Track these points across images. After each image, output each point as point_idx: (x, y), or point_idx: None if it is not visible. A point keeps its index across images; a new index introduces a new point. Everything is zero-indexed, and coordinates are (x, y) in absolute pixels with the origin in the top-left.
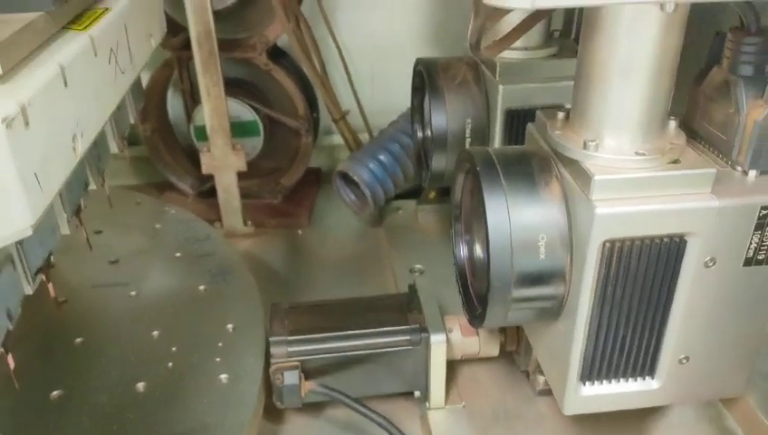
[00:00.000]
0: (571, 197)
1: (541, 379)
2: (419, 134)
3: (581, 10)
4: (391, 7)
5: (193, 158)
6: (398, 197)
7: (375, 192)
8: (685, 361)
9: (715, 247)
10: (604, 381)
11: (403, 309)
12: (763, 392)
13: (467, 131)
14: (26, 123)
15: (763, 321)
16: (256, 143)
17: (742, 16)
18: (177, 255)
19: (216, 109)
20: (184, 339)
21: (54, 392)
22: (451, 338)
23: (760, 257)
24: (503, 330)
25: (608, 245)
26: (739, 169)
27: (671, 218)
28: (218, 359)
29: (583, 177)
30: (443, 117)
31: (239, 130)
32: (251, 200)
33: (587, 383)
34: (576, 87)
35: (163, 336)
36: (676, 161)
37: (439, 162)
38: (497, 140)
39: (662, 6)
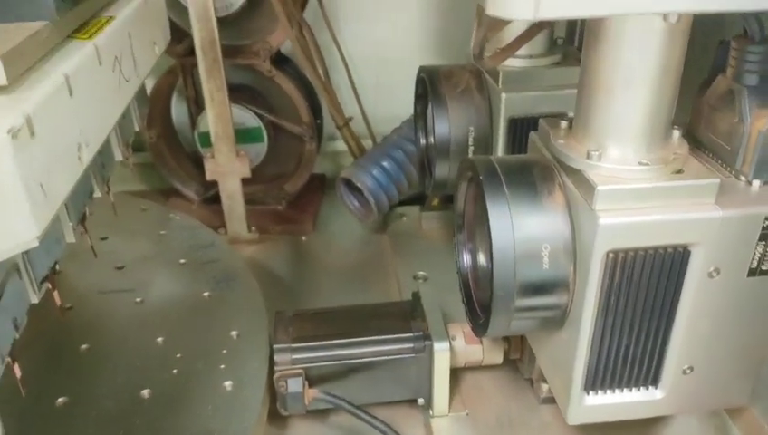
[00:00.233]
0: (575, 206)
1: (545, 387)
2: (422, 141)
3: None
4: (395, 17)
5: (197, 164)
6: (402, 203)
7: (379, 199)
8: (689, 371)
9: (719, 258)
10: (608, 391)
11: (407, 317)
12: None
13: (470, 139)
14: (32, 134)
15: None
16: (260, 149)
17: (746, 25)
18: (182, 261)
19: (220, 115)
20: (188, 346)
21: (60, 399)
22: (454, 346)
23: (764, 268)
24: (507, 338)
25: (611, 255)
26: (743, 178)
27: (675, 229)
28: (223, 366)
29: (587, 187)
30: (446, 125)
31: (243, 136)
32: (255, 206)
33: (591, 393)
34: (579, 96)
35: (168, 343)
36: (679, 171)
37: (442, 170)
38: (500, 148)
39: (665, 17)
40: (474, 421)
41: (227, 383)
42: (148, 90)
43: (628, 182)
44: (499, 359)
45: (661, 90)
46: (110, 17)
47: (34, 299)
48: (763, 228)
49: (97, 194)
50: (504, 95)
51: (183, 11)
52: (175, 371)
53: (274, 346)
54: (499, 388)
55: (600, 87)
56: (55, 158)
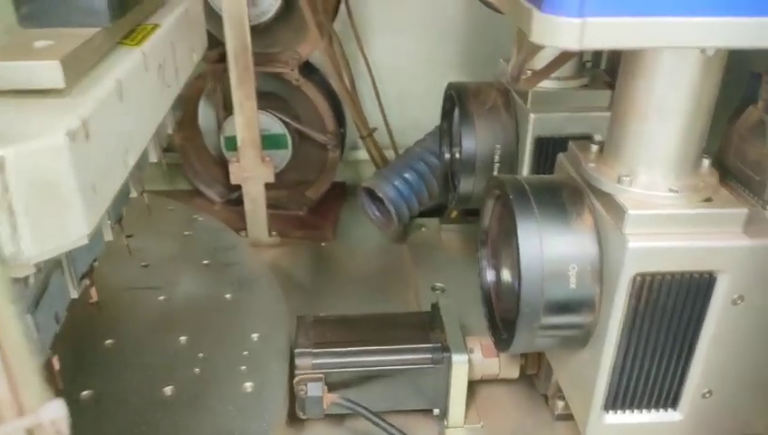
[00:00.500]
0: (604, 229)
1: (560, 404)
2: (447, 156)
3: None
4: (421, 30)
5: (221, 166)
6: (421, 214)
7: (400, 209)
8: (708, 395)
9: (744, 286)
10: (627, 411)
11: (426, 327)
12: None
13: (496, 156)
14: (86, 136)
15: None
16: (284, 156)
17: None
18: (206, 262)
19: (248, 121)
20: (211, 346)
21: (85, 393)
22: (472, 358)
23: None
24: (524, 353)
25: (638, 278)
26: None
27: (702, 255)
28: (243, 367)
29: (617, 210)
30: (472, 141)
31: (268, 142)
32: (276, 211)
33: (610, 412)
34: (612, 122)
35: (191, 342)
36: (708, 199)
37: (467, 185)
38: (526, 167)
39: (703, 50)
40: (488, 434)
41: (248, 385)
42: None
43: (657, 208)
44: (515, 373)
45: (694, 120)
46: (156, 25)
47: (74, 294)
48: None
49: (132, 194)
50: (532, 115)
51: (216, 19)
52: (197, 370)
53: (296, 350)
54: (514, 402)
55: (634, 114)
56: (106, 160)
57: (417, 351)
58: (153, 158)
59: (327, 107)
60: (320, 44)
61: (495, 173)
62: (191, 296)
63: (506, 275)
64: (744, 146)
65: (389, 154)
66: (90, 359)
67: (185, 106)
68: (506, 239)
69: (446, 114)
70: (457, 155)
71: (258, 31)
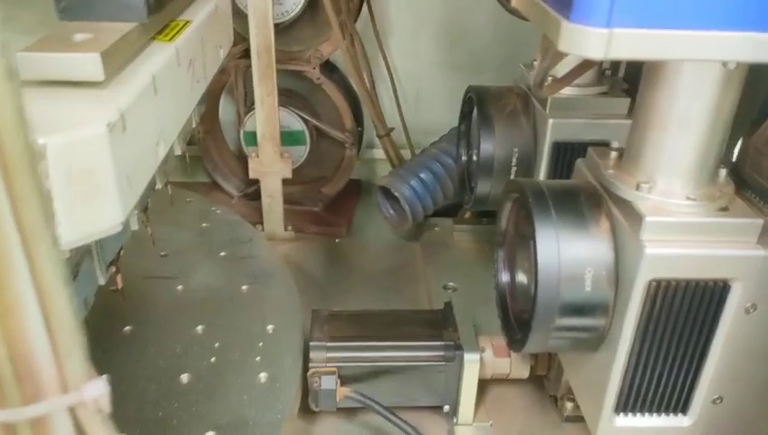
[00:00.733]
0: (621, 235)
1: (569, 405)
2: (464, 157)
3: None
4: (441, 34)
5: (240, 161)
6: (435, 214)
7: (414, 208)
8: (718, 401)
9: (757, 295)
10: (638, 414)
11: (439, 325)
12: None
13: (513, 160)
14: (124, 128)
15: None
16: (302, 152)
17: None
18: (222, 254)
19: (268, 118)
20: (226, 336)
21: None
22: (483, 357)
23: None
24: (534, 354)
25: (654, 284)
26: None
27: (717, 264)
28: (258, 358)
29: (634, 217)
30: (491, 144)
31: (287, 138)
32: (292, 206)
33: (621, 415)
34: (632, 130)
35: (207, 331)
36: (724, 209)
37: (484, 187)
38: (543, 170)
39: (724, 64)
40: (496, 433)
41: (262, 375)
42: None
43: (674, 215)
44: (525, 374)
45: (713, 130)
46: (188, 21)
47: (102, 281)
48: None
49: (158, 185)
50: (550, 120)
51: (241, 16)
52: (213, 359)
53: (311, 343)
54: (523, 402)
55: (655, 124)
56: (139, 152)
57: (430, 348)
58: (177, 150)
59: (346, 106)
60: (341, 44)
61: (512, 176)
62: (208, 287)
63: (522, 276)
64: (761, 158)
65: (406, 154)
66: (108, 344)
67: (207, 100)
68: (523, 241)
69: (465, 116)
70: (475, 157)
71: (281, 29)
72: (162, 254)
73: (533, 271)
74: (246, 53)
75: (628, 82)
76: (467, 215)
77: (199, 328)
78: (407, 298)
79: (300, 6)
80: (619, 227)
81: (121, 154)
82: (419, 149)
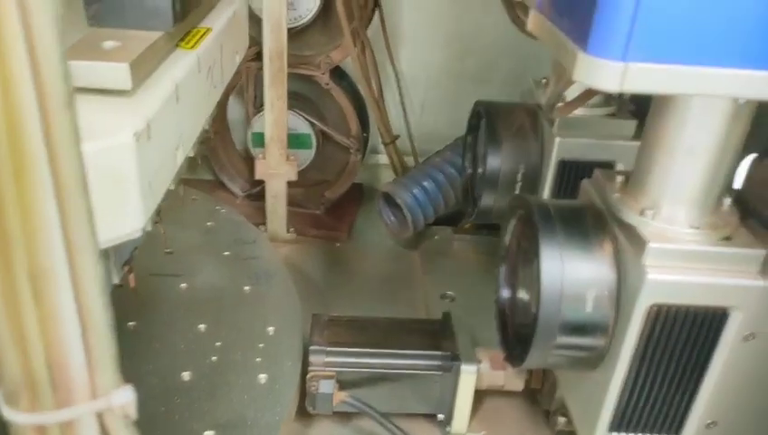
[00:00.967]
0: (624, 258)
1: (561, 420)
2: (468, 170)
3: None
4: (449, 45)
5: (245, 161)
6: (435, 222)
7: (416, 217)
8: (712, 426)
9: (756, 324)
10: (631, 434)
11: (437, 335)
12: None
13: (519, 176)
14: (149, 137)
15: None
16: (308, 155)
17: None
18: (226, 254)
19: (277, 121)
20: (228, 336)
21: None
22: (480, 369)
23: None
24: (530, 369)
25: (654, 308)
26: None
27: (717, 292)
28: (259, 359)
29: (638, 241)
30: (497, 159)
31: (293, 141)
32: (294, 208)
33: (614, 434)
34: (639, 156)
35: (209, 330)
36: (727, 238)
37: (488, 201)
38: (547, 187)
39: (735, 99)
40: None
41: (262, 376)
42: None
43: (678, 243)
44: (520, 387)
45: (720, 161)
46: (208, 29)
47: (116, 280)
48: None
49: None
50: (557, 139)
51: (255, 20)
52: (214, 358)
53: (310, 347)
54: (516, 415)
55: (662, 152)
56: (162, 158)
57: (428, 357)
58: (191, 152)
59: (353, 111)
60: (352, 51)
61: (517, 192)
62: (211, 286)
63: (523, 293)
64: (766, 189)
65: (409, 161)
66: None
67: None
68: (526, 258)
69: (472, 129)
70: (480, 170)
71: (293, 33)
72: (167, 251)
73: (536, 289)
74: (258, 56)
75: (636, 103)
76: (467, 225)
77: (202, 326)
78: (404, 305)
79: (313, 12)
80: (622, 250)
81: (146, 161)
82: (423, 156)
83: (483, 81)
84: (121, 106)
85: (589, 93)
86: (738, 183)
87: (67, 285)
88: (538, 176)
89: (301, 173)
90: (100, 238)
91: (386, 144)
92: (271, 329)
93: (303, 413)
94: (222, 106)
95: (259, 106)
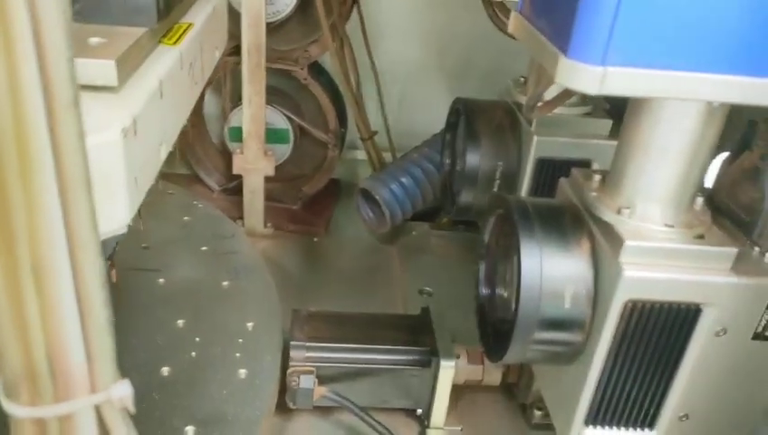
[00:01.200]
0: (601, 255)
1: (537, 413)
2: (447, 166)
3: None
4: (424, 40)
5: (222, 155)
6: (412, 218)
7: (394, 212)
8: (684, 418)
9: (728, 319)
10: (606, 428)
11: (416, 331)
12: None
13: (497, 173)
14: (135, 133)
15: (764, 391)
16: (285, 150)
17: None
18: (204, 249)
19: (255, 116)
20: (207, 331)
21: None
22: (458, 364)
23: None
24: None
25: (630, 304)
26: (757, 249)
27: (691, 288)
28: (238, 354)
29: (615, 240)
30: (476, 157)
31: (271, 136)
32: (271, 203)
33: (590, 427)
34: (616, 157)
35: (188, 326)
36: (701, 236)
37: (467, 198)
38: (525, 185)
39: (709, 102)
40: None
41: (242, 371)
42: None
43: (653, 241)
44: (497, 381)
45: (694, 162)
46: (190, 24)
47: None
48: None
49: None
50: (536, 138)
51: (233, 15)
52: (193, 353)
53: (291, 343)
54: (493, 409)
55: (638, 152)
56: (146, 154)
57: (407, 352)
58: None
59: (331, 107)
60: (331, 47)
61: (496, 189)
62: (189, 281)
63: (502, 289)
64: (737, 188)
65: (387, 156)
66: None
67: None
68: (505, 256)
69: (450, 126)
70: (459, 167)
71: (271, 28)
72: (144, 246)
73: (516, 286)
74: (236, 51)
75: (610, 103)
76: (444, 220)
77: (180, 322)
78: (381, 300)
79: (291, 7)
80: (599, 248)
81: (132, 157)
82: (401, 151)
83: (460, 76)
84: (108, 102)
85: (567, 93)
86: (709, 182)
87: (68, 279)
88: (516, 173)
89: (278, 168)
90: None
91: (364, 140)
92: (250, 324)
93: (283, 408)
94: (199, 100)
95: (236, 101)
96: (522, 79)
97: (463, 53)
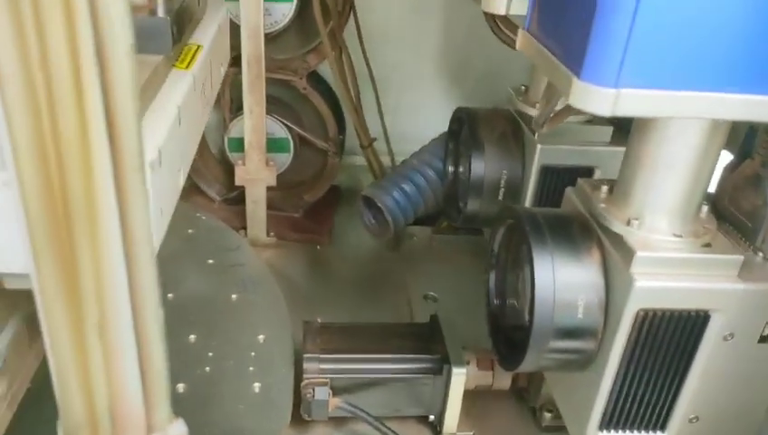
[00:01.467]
0: (612, 266)
1: (547, 416)
2: (451, 174)
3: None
4: (419, 46)
5: (222, 165)
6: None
7: (397, 219)
8: (695, 420)
9: (735, 324)
10: (620, 431)
11: (426, 338)
12: None
13: (502, 181)
14: (160, 164)
15: None
16: (285, 159)
17: None
18: (210, 262)
19: (255, 126)
20: (219, 346)
21: None
22: (468, 370)
23: None
24: None
25: (641, 313)
26: (761, 255)
27: (700, 296)
28: (251, 368)
29: (625, 250)
30: (481, 165)
31: (271, 145)
32: (272, 212)
33: (604, 431)
34: (623, 168)
35: (200, 341)
36: (707, 245)
37: (473, 206)
38: (530, 193)
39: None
40: None
41: (256, 385)
42: None
43: (662, 251)
44: (507, 385)
45: (699, 174)
46: (199, 46)
47: None
48: None
49: None
50: (539, 146)
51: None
52: (207, 368)
53: (305, 355)
54: (504, 413)
55: (645, 167)
56: (170, 183)
57: (419, 361)
58: None
59: (330, 115)
60: (329, 55)
61: (501, 197)
62: (198, 295)
63: (513, 298)
64: (739, 195)
65: (385, 161)
66: None
67: None
68: (515, 266)
69: (453, 135)
70: (463, 176)
71: (270, 38)
72: None
73: (530, 297)
74: (235, 62)
75: None
76: (444, 224)
77: (192, 337)
78: (388, 307)
79: (289, 17)
80: (609, 258)
81: (158, 190)
82: (399, 156)
83: (456, 81)
84: None
85: (571, 108)
86: (711, 187)
87: (130, 332)
88: (520, 181)
89: (279, 177)
90: None
91: (364, 147)
92: (261, 337)
93: (298, 420)
94: None
95: (236, 111)
96: (523, 87)
97: (458, 57)
